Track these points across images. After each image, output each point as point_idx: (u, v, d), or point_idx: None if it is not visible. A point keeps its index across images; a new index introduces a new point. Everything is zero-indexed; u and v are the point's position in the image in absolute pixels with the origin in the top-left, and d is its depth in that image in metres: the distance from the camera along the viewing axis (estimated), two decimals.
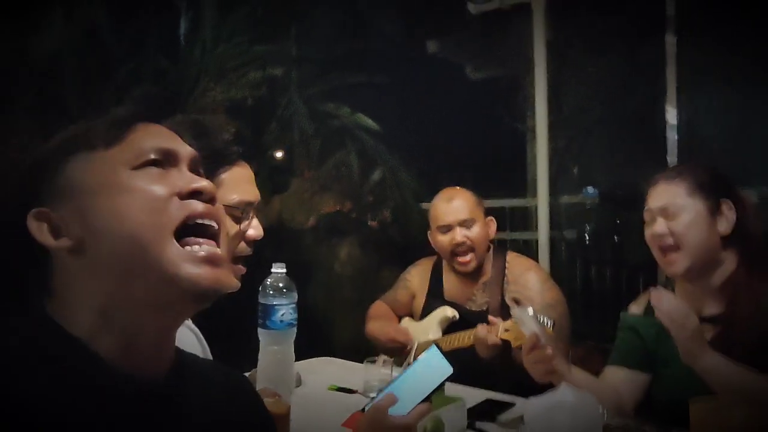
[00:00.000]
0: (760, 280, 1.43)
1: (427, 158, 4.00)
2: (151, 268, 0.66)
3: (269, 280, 1.61)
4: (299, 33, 4.14)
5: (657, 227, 1.47)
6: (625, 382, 1.57)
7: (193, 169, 0.75)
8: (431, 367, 1.28)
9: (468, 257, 2.12)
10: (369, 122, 4.12)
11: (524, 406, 1.35)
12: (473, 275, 2.17)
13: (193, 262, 0.67)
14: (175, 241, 0.68)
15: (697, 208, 1.46)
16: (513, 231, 4.08)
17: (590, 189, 3.94)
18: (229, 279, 0.71)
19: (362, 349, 2.29)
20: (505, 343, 1.83)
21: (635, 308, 1.65)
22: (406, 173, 4.05)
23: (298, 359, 1.64)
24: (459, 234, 2.11)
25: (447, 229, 2.13)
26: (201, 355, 1.16)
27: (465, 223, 2.11)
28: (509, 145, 4.24)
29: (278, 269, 1.62)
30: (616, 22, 3.67)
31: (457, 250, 2.13)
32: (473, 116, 4.15)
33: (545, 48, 3.74)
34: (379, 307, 2.39)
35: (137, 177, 0.70)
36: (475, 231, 2.11)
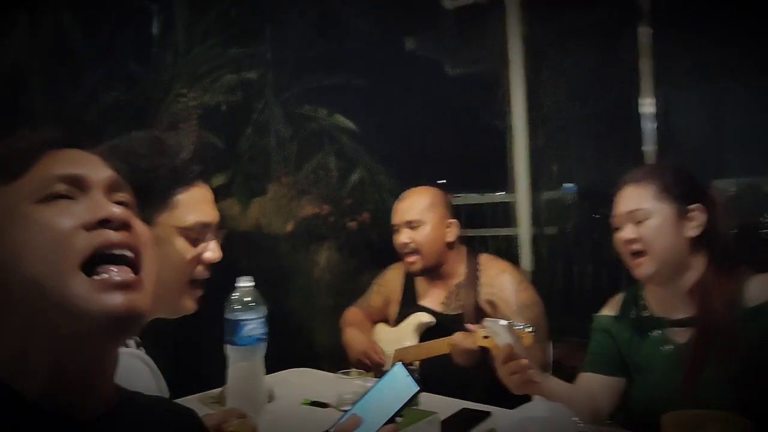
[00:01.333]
0: (730, 280, 1.41)
1: (406, 157, 3.97)
2: (57, 305, 0.62)
3: (236, 294, 1.57)
4: (273, 35, 4.09)
5: (625, 233, 1.46)
6: (600, 388, 1.55)
7: (110, 195, 0.70)
8: (397, 386, 1.25)
9: (412, 258, 2.11)
10: (347, 123, 4.08)
11: (497, 420, 1.32)
12: (443, 277, 2.14)
13: (103, 290, 0.64)
14: (81, 273, 0.63)
15: (664, 212, 1.44)
16: (493, 227, 4.06)
17: (569, 185, 3.93)
18: (148, 304, 0.67)
19: (343, 356, 2.26)
20: (484, 350, 1.81)
21: (608, 310, 1.63)
22: (385, 174, 4.01)
23: (271, 371, 1.61)
24: (403, 235, 2.11)
25: (396, 229, 2.13)
26: (153, 384, 1.12)
27: (410, 224, 2.10)
28: (489, 141, 4.21)
29: (245, 283, 1.58)
30: (591, 16, 3.66)
31: (401, 250, 2.11)
32: (452, 113, 4.13)
33: (521, 43, 3.72)
34: (354, 314, 2.36)
35: (40, 211, 0.65)
36: (423, 233, 2.09)
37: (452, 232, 2.14)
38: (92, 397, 0.69)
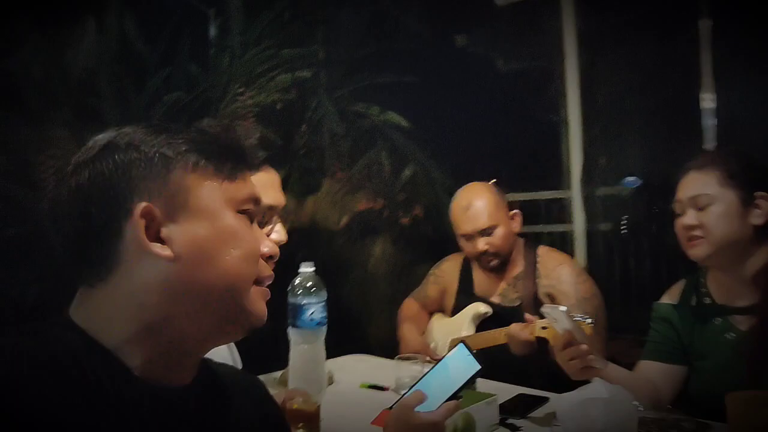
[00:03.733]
0: None
1: (459, 153, 3.97)
2: (235, 305, 0.72)
3: (298, 279, 1.62)
4: (326, 35, 4.16)
5: (686, 218, 1.44)
6: (661, 376, 1.54)
7: (274, 224, 0.84)
8: (459, 365, 1.27)
9: (491, 260, 2.12)
10: (399, 120, 4.10)
11: (557, 401, 1.33)
12: (502, 270, 2.15)
13: (262, 299, 0.76)
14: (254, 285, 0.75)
15: (728, 198, 1.42)
16: (548, 224, 4.02)
17: (627, 180, 3.86)
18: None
19: (397, 346, 2.29)
20: (541, 341, 1.81)
21: (668, 298, 1.62)
22: (438, 169, 4.02)
23: (330, 357, 1.65)
24: (481, 243, 2.09)
25: (468, 237, 2.11)
26: (228, 355, 1.18)
27: (485, 231, 2.08)
28: (543, 137, 4.18)
29: (306, 268, 1.63)
30: (648, 9, 3.58)
31: (481, 258, 2.11)
32: (505, 109, 4.10)
33: (576, 37, 3.69)
34: (410, 306, 2.38)
35: (241, 222, 0.75)
36: (498, 236, 2.09)
37: (517, 222, 2.15)
38: (184, 371, 0.75)
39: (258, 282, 0.75)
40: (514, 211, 2.16)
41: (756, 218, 1.43)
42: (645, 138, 3.77)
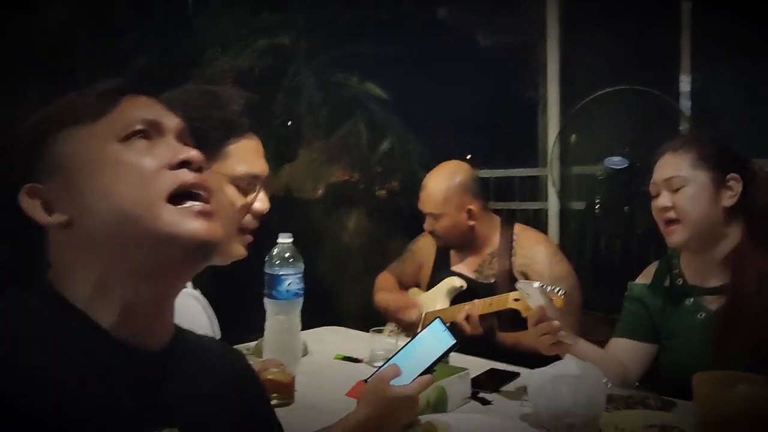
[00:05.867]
0: (765, 250, 1.42)
1: (436, 127, 3.97)
2: (148, 235, 0.67)
3: (275, 250, 1.61)
4: (306, 0, 4.08)
5: (661, 200, 1.47)
6: (631, 354, 1.57)
7: (181, 139, 0.75)
8: (435, 339, 1.29)
9: (438, 240, 2.21)
10: (378, 91, 4.08)
11: (528, 377, 1.35)
12: (477, 247, 2.17)
13: (189, 217, 0.69)
14: (169, 204, 0.69)
15: (700, 180, 1.45)
16: (522, 201, 4.05)
17: (607, 159, 3.88)
18: (221, 233, 0.72)
19: (370, 319, 2.31)
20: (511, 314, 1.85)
21: (643, 278, 1.65)
22: (415, 143, 4.02)
23: (305, 328, 1.66)
24: (427, 223, 2.18)
25: (423, 214, 2.18)
26: (208, 324, 1.17)
27: (432, 215, 2.15)
28: (520, 114, 4.18)
29: (285, 239, 1.63)
30: None
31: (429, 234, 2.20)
32: (484, 84, 4.10)
33: (558, 15, 3.67)
34: (386, 279, 2.40)
35: (125, 150, 0.70)
36: (441, 224, 2.14)
37: (474, 215, 2.14)
38: (158, 330, 0.74)
39: (175, 199, 0.69)
40: (472, 206, 2.14)
41: (727, 200, 1.46)
42: (622, 118, 3.80)
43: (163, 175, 0.70)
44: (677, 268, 1.58)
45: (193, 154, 0.72)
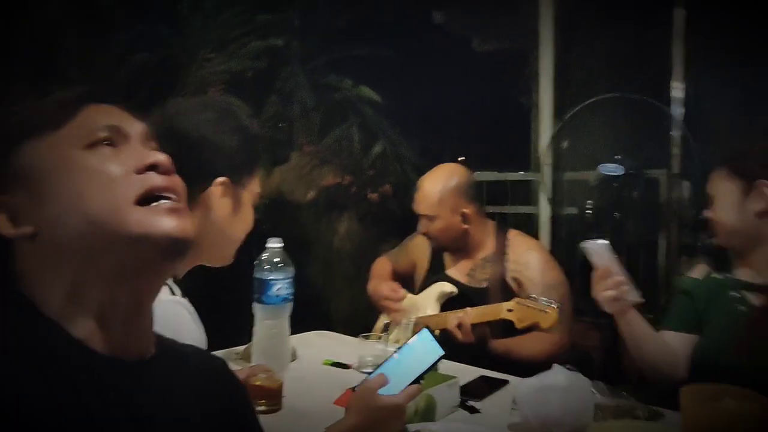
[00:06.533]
0: None
1: (429, 131, 3.97)
2: (118, 238, 0.66)
3: (265, 254, 1.61)
4: (302, 2, 4.08)
5: (707, 212, 1.60)
6: (679, 344, 1.60)
7: (146, 145, 0.74)
8: (423, 349, 1.29)
9: (432, 242, 2.20)
10: (372, 95, 4.07)
11: (516, 386, 1.35)
12: (470, 250, 2.17)
13: (158, 215, 0.68)
14: (137, 206, 0.68)
15: (729, 191, 1.55)
16: (515, 205, 4.06)
17: (600, 165, 3.89)
18: (192, 230, 0.71)
19: (360, 323, 2.30)
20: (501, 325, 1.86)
21: (695, 273, 1.69)
22: (408, 147, 4.02)
23: (294, 333, 1.65)
24: (421, 225, 2.17)
25: (418, 216, 2.18)
26: (195, 332, 1.17)
27: (426, 217, 2.15)
28: (514, 119, 4.19)
29: (274, 244, 1.62)
30: None
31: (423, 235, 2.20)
32: (478, 90, 4.10)
33: (552, 21, 3.68)
34: (382, 266, 2.41)
35: (90, 157, 0.69)
36: (435, 226, 2.13)
37: (468, 219, 2.13)
38: (135, 339, 0.72)
39: (144, 202, 0.69)
40: (467, 209, 2.13)
41: (759, 204, 1.52)
42: (614, 125, 3.81)
43: (131, 179, 0.69)
44: (729, 264, 1.62)
45: (160, 157, 0.72)
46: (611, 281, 1.51)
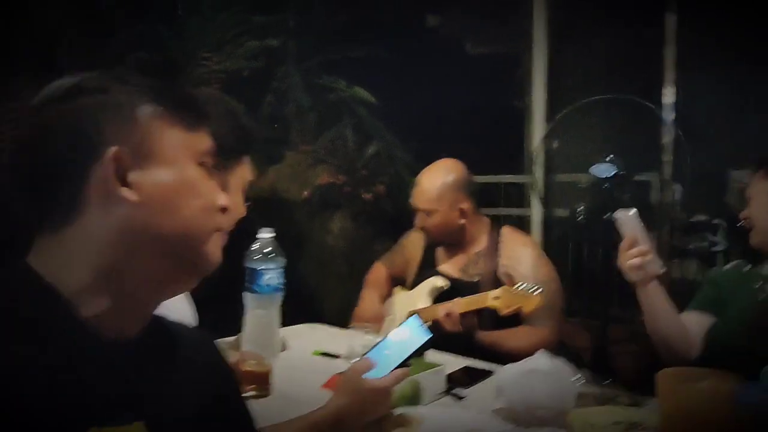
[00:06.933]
0: None
1: (423, 133, 4.00)
2: (192, 252, 0.73)
3: (256, 244, 1.63)
4: (298, 4, 4.11)
5: (744, 211, 1.62)
6: (695, 323, 1.63)
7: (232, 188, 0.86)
8: (411, 334, 1.31)
9: (429, 238, 2.22)
10: (366, 96, 4.10)
11: (500, 371, 1.38)
12: (464, 246, 2.19)
13: (219, 246, 0.77)
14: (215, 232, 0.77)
15: (764, 190, 1.57)
16: (507, 207, 4.09)
17: (592, 168, 3.91)
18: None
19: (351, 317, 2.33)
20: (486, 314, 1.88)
21: (728, 266, 1.73)
22: (402, 148, 4.04)
23: (286, 325, 1.67)
24: (418, 219, 2.19)
25: (415, 211, 2.20)
26: (187, 310, 1.19)
27: (424, 211, 2.17)
28: (507, 121, 4.22)
29: (265, 234, 1.65)
30: (617, 1, 3.64)
31: (422, 231, 2.22)
32: (472, 92, 4.13)
33: (545, 25, 3.72)
34: (378, 272, 2.44)
35: (200, 173, 0.75)
36: (433, 221, 2.15)
37: (466, 214, 2.17)
38: (134, 324, 0.75)
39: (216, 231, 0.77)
40: (465, 204, 2.16)
41: None
42: (606, 127, 3.85)
43: (216, 211, 0.77)
44: (759, 260, 1.65)
45: (228, 203, 0.80)
46: (636, 250, 1.54)
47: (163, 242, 0.71)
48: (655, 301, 1.57)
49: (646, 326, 1.62)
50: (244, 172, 1.29)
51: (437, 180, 2.16)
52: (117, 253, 0.69)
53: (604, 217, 3.61)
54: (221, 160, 1.19)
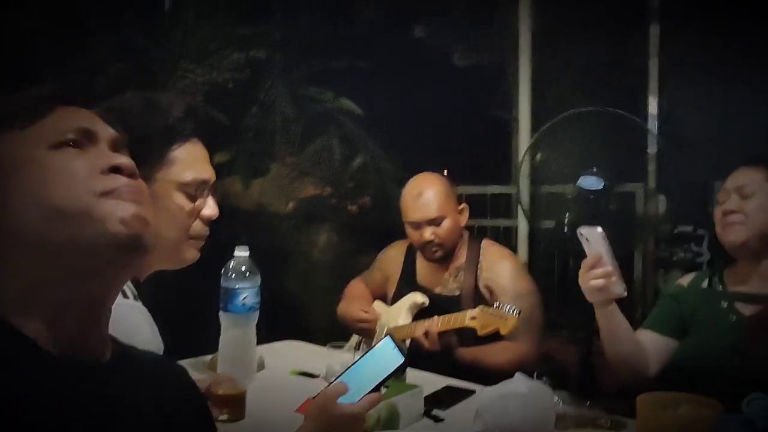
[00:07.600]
0: None
1: (409, 144, 3.99)
2: (79, 229, 0.67)
3: (232, 263, 1.61)
4: (283, 15, 4.10)
5: (728, 204, 1.52)
6: (654, 346, 1.59)
7: (114, 149, 0.75)
8: (384, 357, 1.28)
9: (436, 251, 2.13)
10: (352, 107, 4.09)
11: (478, 394, 1.35)
12: (445, 260, 2.17)
13: (119, 207, 0.69)
14: (100, 198, 0.69)
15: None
16: (493, 218, 4.08)
17: (590, 179, 3.91)
18: (151, 238, 0.71)
19: (340, 335, 2.29)
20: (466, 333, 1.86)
21: (684, 281, 1.69)
22: (388, 160, 4.03)
23: (271, 341, 1.64)
24: (427, 233, 2.10)
25: (416, 226, 2.12)
26: (151, 337, 1.16)
27: (434, 222, 2.10)
28: (493, 133, 4.22)
29: (241, 252, 1.62)
30: (601, 13, 3.65)
31: (425, 247, 2.12)
32: (457, 103, 4.13)
33: (531, 35, 3.73)
34: (356, 287, 2.40)
35: (55, 156, 0.70)
36: (444, 227, 2.10)
37: (465, 216, 2.17)
38: (91, 341, 0.72)
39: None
40: (462, 204, 2.17)
41: None
42: (591, 139, 3.85)
43: (95, 178, 0.70)
44: (719, 274, 1.62)
45: (124, 160, 0.73)
46: (600, 270, 1.45)
47: (53, 232, 0.67)
48: (613, 322, 1.52)
49: (604, 346, 1.57)
50: (175, 174, 1.18)
51: (437, 185, 2.13)
52: (26, 265, 0.67)
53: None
54: (146, 149, 1.13)
